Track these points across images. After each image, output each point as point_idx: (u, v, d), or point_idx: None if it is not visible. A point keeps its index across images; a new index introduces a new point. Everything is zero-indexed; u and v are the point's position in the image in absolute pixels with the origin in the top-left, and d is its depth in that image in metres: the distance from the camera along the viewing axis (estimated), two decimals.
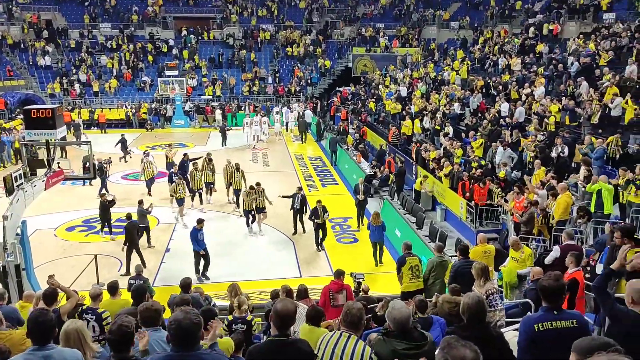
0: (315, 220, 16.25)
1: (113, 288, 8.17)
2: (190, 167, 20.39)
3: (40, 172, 13.42)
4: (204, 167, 20.12)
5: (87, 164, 14.50)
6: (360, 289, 10.13)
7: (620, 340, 4.24)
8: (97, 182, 21.48)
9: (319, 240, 16.34)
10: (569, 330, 4.30)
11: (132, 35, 45.57)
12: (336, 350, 4.15)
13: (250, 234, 17.55)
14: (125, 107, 38.62)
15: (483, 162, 18.16)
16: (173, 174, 19.74)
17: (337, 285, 9.42)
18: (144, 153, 22.32)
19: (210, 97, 40.68)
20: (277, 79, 43.55)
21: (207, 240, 14.63)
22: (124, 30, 45.69)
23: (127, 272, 14.21)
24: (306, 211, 17.43)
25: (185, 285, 9.02)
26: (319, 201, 16.51)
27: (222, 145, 31.38)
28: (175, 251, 16.22)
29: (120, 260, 15.47)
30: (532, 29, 31.96)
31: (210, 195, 20.57)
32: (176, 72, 41.07)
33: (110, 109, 38.84)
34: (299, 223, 17.66)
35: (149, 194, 21.06)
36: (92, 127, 36.73)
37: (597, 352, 2.35)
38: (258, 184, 17.60)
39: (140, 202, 16.22)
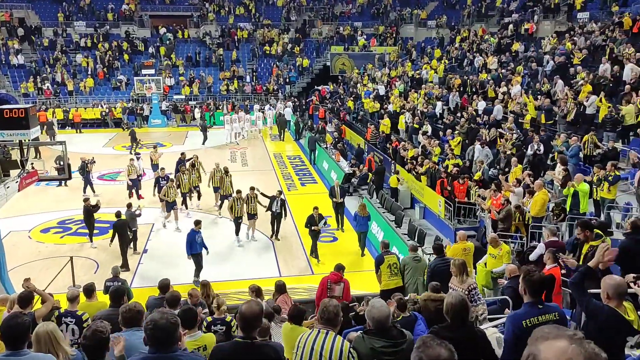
0: (313, 228, 15.54)
1: (89, 290, 8.06)
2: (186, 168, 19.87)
3: (14, 173, 13.18)
4: (190, 170, 19.45)
5: (61, 163, 14.27)
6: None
7: (596, 334, 4.32)
8: (73, 182, 21.14)
9: (313, 248, 15.73)
10: (553, 323, 4.36)
11: (108, 34, 44.98)
12: (315, 347, 4.14)
13: (238, 243, 16.68)
14: (101, 106, 38.12)
15: (459, 162, 18.30)
16: (161, 179, 18.81)
17: (336, 277, 9.55)
18: (135, 155, 21.74)
19: (183, 97, 40.18)
20: (255, 77, 43.39)
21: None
22: (99, 28, 45.07)
23: (127, 269, 14.46)
24: (286, 215, 17.07)
25: (164, 286, 8.86)
26: (315, 207, 15.99)
27: (203, 144, 31.26)
28: (153, 252, 16.07)
29: (97, 262, 15.28)
30: (511, 26, 32.30)
31: (199, 199, 19.90)
32: (153, 71, 40.67)
33: (85, 108, 38.29)
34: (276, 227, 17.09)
35: (139, 197, 20.28)
36: (67, 127, 36.17)
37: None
38: (253, 188, 16.80)
39: (129, 206, 15.91)
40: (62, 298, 7.67)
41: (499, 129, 19.02)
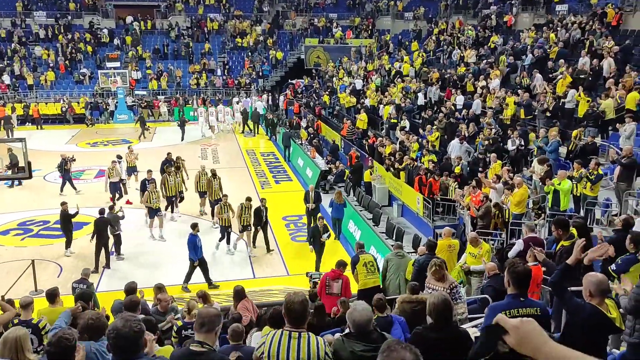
0: (321, 238, 14.80)
1: (52, 295, 7.93)
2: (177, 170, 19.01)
3: None
4: (175, 172, 18.59)
5: (13, 162, 13.98)
6: (314, 290, 10.16)
7: (578, 333, 4.40)
8: (30, 182, 20.56)
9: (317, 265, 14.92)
10: (534, 318, 4.41)
11: (70, 25, 44.19)
12: (291, 354, 4.04)
13: (231, 252, 16.05)
14: (63, 101, 37.44)
15: (434, 158, 18.42)
16: (147, 182, 17.57)
17: (335, 274, 9.62)
18: (117, 156, 20.60)
19: (145, 93, 39.74)
20: (226, 71, 43.14)
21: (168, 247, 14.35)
22: (61, 19, 44.24)
23: (96, 270, 14.17)
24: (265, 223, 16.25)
25: (130, 290, 8.82)
26: (321, 217, 15.43)
27: (182, 140, 31.16)
28: (139, 255, 15.87)
29: (61, 265, 15.03)
30: (493, 16, 32.63)
31: (176, 206, 18.82)
32: (118, 64, 40.10)
33: (46, 103, 37.58)
34: (259, 237, 16.35)
35: (127, 202, 19.52)
36: (27, 123, 35.42)
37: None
38: (249, 199, 16.08)
39: (111, 208, 15.46)
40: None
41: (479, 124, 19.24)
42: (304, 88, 39.49)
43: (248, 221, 15.80)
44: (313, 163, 23.62)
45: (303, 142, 27.69)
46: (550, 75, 20.40)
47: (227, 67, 43.53)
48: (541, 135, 16.09)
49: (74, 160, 21.28)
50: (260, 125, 33.82)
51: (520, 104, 19.05)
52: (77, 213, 15.40)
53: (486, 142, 17.27)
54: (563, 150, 15.92)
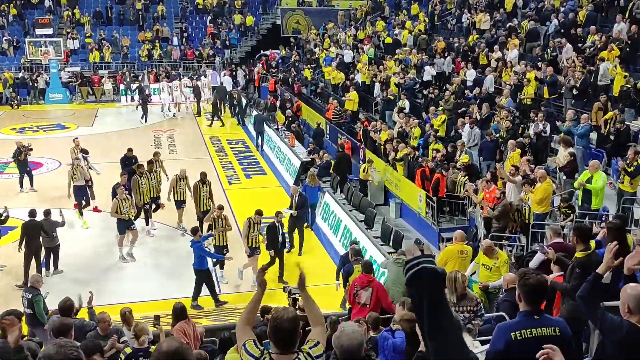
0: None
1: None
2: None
3: None
4: (149, 173, 17.76)
5: None
6: (297, 306, 10.14)
7: (615, 356, 4.43)
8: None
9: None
10: (550, 340, 4.43)
11: None
12: None
13: (224, 281, 15.16)
14: None
15: (440, 147, 18.41)
16: (116, 187, 16.66)
17: (364, 280, 9.50)
18: (81, 151, 19.74)
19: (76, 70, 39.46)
20: (184, 40, 42.85)
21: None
22: None
23: (24, 284, 13.82)
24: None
25: (66, 308, 8.83)
26: (353, 242, 14.32)
27: (143, 121, 31.17)
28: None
29: None
30: None
31: (151, 217, 18.01)
32: (50, 31, 39.65)
33: None
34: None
35: (94, 210, 18.81)
36: None
37: None
38: (260, 213, 15.00)
39: (47, 213, 14.98)
40: None
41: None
42: (280, 61, 39.36)
43: (257, 242, 14.74)
44: (292, 153, 23.57)
45: (279, 127, 27.61)
46: (580, 46, 20.52)
47: (185, 35, 43.25)
48: (568, 118, 16.19)
49: (31, 149, 20.62)
50: (226, 105, 33.72)
51: (544, 80, 19.15)
52: (7, 217, 15.20)
53: (504, 127, 17.32)
54: (594, 136, 16.07)
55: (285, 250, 15.34)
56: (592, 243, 7.42)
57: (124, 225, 16.05)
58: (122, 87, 36.71)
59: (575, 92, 18.03)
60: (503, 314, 8.10)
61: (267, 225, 15.01)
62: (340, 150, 21.05)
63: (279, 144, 25.61)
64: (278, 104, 30.49)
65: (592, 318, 4.90)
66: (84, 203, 18.37)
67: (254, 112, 30.21)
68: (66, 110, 34.89)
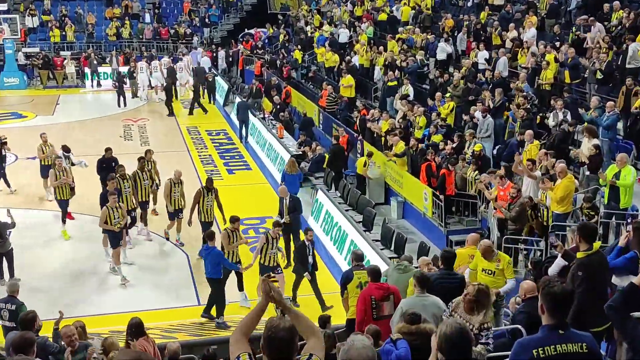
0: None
1: None
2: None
3: None
4: (140, 172, 17.66)
5: None
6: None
7: None
8: None
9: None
10: (578, 358, 4.47)
11: None
12: None
13: (245, 302, 14.51)
14: None
15: (439, 138, 18.37)
16: (107, 193, 16.10)
17: (382, 291, 9.47)
18: (64, 152, 19.41)
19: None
20: (157, 17, 42.78)
21: None
22: None
23: None
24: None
25: (27, 320, 8.88)
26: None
27: (121, 106, 31.39)
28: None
29: None
30: None
31: (144, 223, 18.03)
32: (4, 6, 39.52)
33: None
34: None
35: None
36: None
37: None
38: (279, 224, 14.94)
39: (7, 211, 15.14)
40: None
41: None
42: (266, 41, 39.32)
43: (276, 260, 14.31)
44: (280, 145, 23.56)
45: (266, 115, 27.60)
46: (606, 25, 20.57)
47: (158, 11, 43.18)
48: (593, 106, 16.25)
49: (5, 142, 20.54)
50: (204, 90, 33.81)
51: (565, 63, 19.20)
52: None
53: (519, 116, 17.36)
54: (620, 126, 16.14)
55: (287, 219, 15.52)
56: (597, 244, 7.42)
57: (117, 238, 15.49)
58: (87, 70, 36.65)
59: (600, 76, 18.08)
60: (519, 326, 8.14)
61: (297, 245, 14.86)
62: (335, 142, 21.04)
63: (265, 135, 25.61)
64: (264, 89, 30.46)
65: (622, 330, 4.94)
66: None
67: (237, 99, 30.20)
68: (23, 97, 34.84)
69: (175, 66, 34.22)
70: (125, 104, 31.81)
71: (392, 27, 30.67)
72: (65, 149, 19.69)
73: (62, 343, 9.16)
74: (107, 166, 18.39)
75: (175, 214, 17.35)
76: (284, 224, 15.89)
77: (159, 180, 18.60)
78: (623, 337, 5.06)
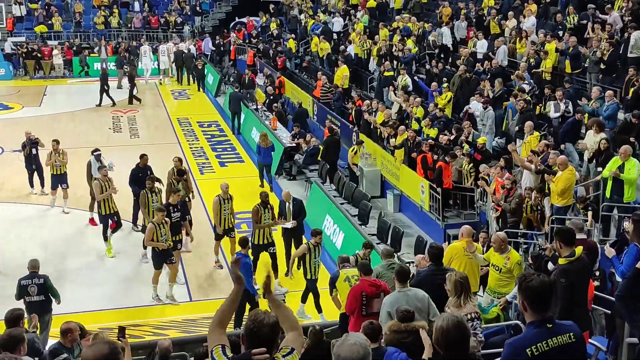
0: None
1: None
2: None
3: None
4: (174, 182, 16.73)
5: None
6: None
7: None
8: None
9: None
10: (567, 349, 4.51)
11: None
12: None
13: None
14: None
15: (434, 132, 18.31)
16: (172, 208, 15.15)
17: (373, 287, 9.49)
18: (94, 155, 18.46)
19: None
20: (147, 5, 42.69)
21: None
22: None
23: None
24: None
25: (12, 319, 8.93)
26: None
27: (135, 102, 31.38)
28: None
29: None
30: None
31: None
32: None
33: None
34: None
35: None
36: None
37: None
38: (318, 234, 13.83)
39: None
40: None
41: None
42: (259, 30, 39.25)
43: (316, 273, 13.63)
44: (274, 136, 23.52)
45: (259, 106, 27.56)
46: (606, 9, 20.53)
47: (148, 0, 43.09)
48: (594, 96, 16.23)
49: None
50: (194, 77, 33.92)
51: (565, 52, 19.18)
52: None
53: (519, 107, 17.32)
54: (621, 116, 16.13)
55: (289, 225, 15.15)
56: (579, 249, 7.36)
57: (161, 258, 14.54)
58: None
59: (602, 66, 18.07)
60: (519, 322, 8.15)
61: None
62: (330, 133, 21.01)
63: (258, 127, 25.56)
64: (258, 80, 30.42)
65: (630, 319, 4.93)
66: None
67: (229, 90, 30.16)
68: (9, 88, 34.72)
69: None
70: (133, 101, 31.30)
71: (382, 14, 30.61)
72: (96, 151, 18.58)
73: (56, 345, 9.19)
74: (143, 176, 16.82)
75: (224, 234, 15.98)
76: (288, 229, 15.39)
77: (192, 195, 17.94)
78: (630, 327, 5.05)
